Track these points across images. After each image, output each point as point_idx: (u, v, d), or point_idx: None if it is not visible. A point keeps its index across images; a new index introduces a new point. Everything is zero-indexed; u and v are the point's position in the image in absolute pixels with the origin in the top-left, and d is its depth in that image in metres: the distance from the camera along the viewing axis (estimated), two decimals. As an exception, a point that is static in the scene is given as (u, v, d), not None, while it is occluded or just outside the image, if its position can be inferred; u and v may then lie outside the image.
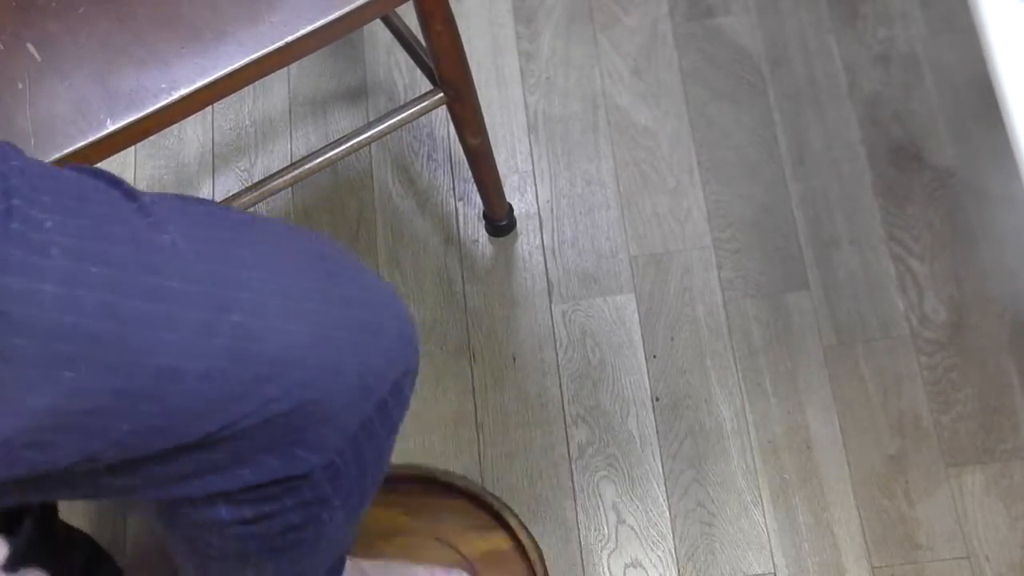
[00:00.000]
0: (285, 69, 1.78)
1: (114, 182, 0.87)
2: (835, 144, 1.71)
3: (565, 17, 1.83)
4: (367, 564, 1.39)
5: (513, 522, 1.50)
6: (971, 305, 1.59)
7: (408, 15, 1.49)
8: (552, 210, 1.71)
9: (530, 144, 1.75)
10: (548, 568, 1.49)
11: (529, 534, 1.49)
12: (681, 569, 1.48)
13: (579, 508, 1.53)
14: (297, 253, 0.96)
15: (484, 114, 1.52)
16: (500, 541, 1.50)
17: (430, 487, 1.53)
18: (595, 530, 1.51)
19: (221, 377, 0.86)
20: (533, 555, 1.48)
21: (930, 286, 1.61)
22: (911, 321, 1.59)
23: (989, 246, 1.62)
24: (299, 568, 1.08)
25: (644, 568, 1.49)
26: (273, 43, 1.23)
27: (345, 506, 1.03)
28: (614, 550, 1.50)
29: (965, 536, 1.47)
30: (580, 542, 1.51)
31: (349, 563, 1.32)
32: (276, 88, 1.82)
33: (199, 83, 1.22)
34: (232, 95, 1.27)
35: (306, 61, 1.80)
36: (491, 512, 1.51)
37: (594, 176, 1.72)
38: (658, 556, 1.49)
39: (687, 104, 1.76)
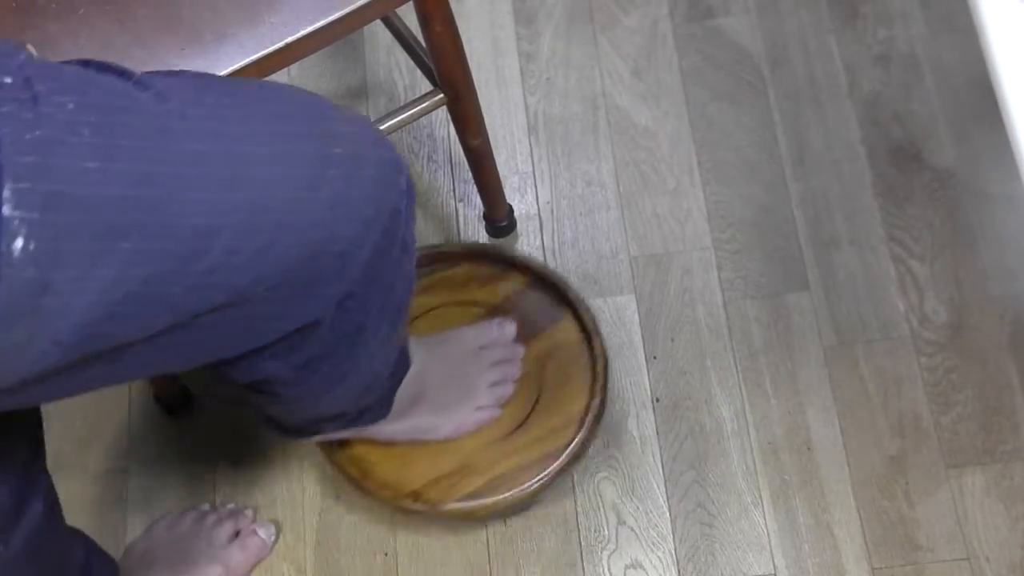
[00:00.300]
0: (285, 70, 1.78)
1: (104, 66, 0.92)
2: (835, 144, 1.71)
3: (565, 18, 1.83)
4: (424, 339, 1.50)
5: (519, 262, 1.60)
6: (971, 306, 1.59)
7: (408, 15, 1.49)
8: (552, 211, 1.71)
9: (530, 145, 1.75)
10: (566, 280, 1.58)
11: (541, 263, 1.61)
12: (681, 570, 1.48)
13: (579, 509, 1.52)
14: (284, 101, 1.04)
15: (484, 115, 1.52)
16: (511, 283, 1.60)
17: (436, 264, 1.61)
18: (595, 531, 1.51)
19: (250, 231, 0.92)
20: (553, 279, 1.58)
21: (930, 287, 1.61)
22: (911, 322, 1.59)
23: (989, 247, 1.62)
24: (366, 366, 1.22)
25: (644, 569, 1.49)
26: (273, 44, 1.23)
27: (382, 322, 1.15)
28: (614, 551, 1.50)
29: (965, 537, 1.47)
30: (580, 543, 1.51)
31: (414, 342, 1.45)
32: (276, 89, 1.82)
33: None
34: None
35: (306, 62, 1.80)
36: (498, 261, 1.61)
37: (594, 177, 1.72)
38: (658, 557, 1.49)
39: (687, 104, 1.76)
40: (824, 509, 1.50)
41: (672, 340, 1.61)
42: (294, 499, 1.55)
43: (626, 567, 1.49)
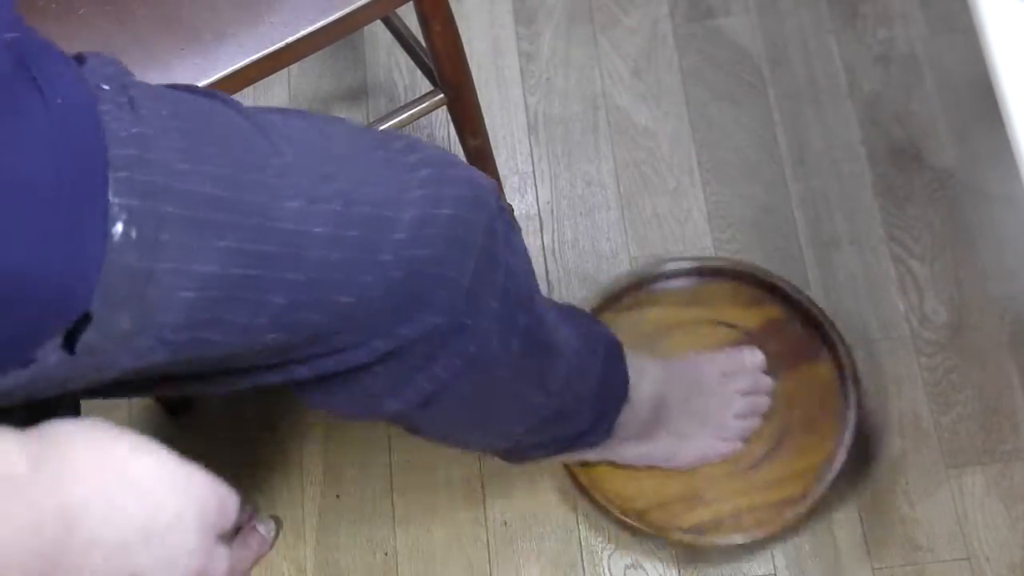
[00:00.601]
0: (285, 70, 1.78)
1: (191, 88, 0.95)
2: (835, 144, 1.71)
3: (565, 18, 1.83)
4: (668, 361, 1.45)
5: (788, 288, 1.53)
6: (971, 306, 1.59)
7: (408, 16, 1.49)
8: (552, 211, 1.71)
9: (530, 145, 1.75)
10: (832, 320, 1.52)
11: (809, 297, 1.53)
12: (681, 570, 1.48)
13: (579, 509, 1.52)
14: (361, 131, 1.06)
15: (484, 115, 1.52)
16: (775, 310, 1.54)
17: (695, 277, 1.57)
18: (595, 531, 1.51)
19: (341, 244, 0.93)
20: (815, 313, 1.52)
21: (930, 287, 1.61)
22: (911, 322, 1.59)
23: (989, 247, 1.62)
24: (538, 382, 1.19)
25: (644, 569, 1.49)
26: (273, 44, 1.23)
27: (506, 349, 1.09)
28: (615, 551, 1.50)
29: (965, 537, 1.47)
30: (581, 543, 1.51)
31: (642, 355, 1.40)
32: (276, 89, 1.82)
33: (199, 84, 1.22)
34: (232, 96, 1.27)
35: (306, 62, 1.80)
36: (761, 285, 1.55)
37: (594, 177, 1.72)
38: (659, 557, 1.49)
39: (687, 105, 1.76)
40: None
41: (672, 340, 1.61)
42: (294, 499, 1.56)
43: (626, 567, 1.49)
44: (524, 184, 1.73)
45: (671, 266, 1.57)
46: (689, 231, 1.67)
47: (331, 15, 1.24)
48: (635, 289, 1.57)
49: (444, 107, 1.48)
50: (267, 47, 1.23)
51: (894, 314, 1.60)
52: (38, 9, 1.25)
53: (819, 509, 1.46)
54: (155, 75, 1.22)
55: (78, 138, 0.79)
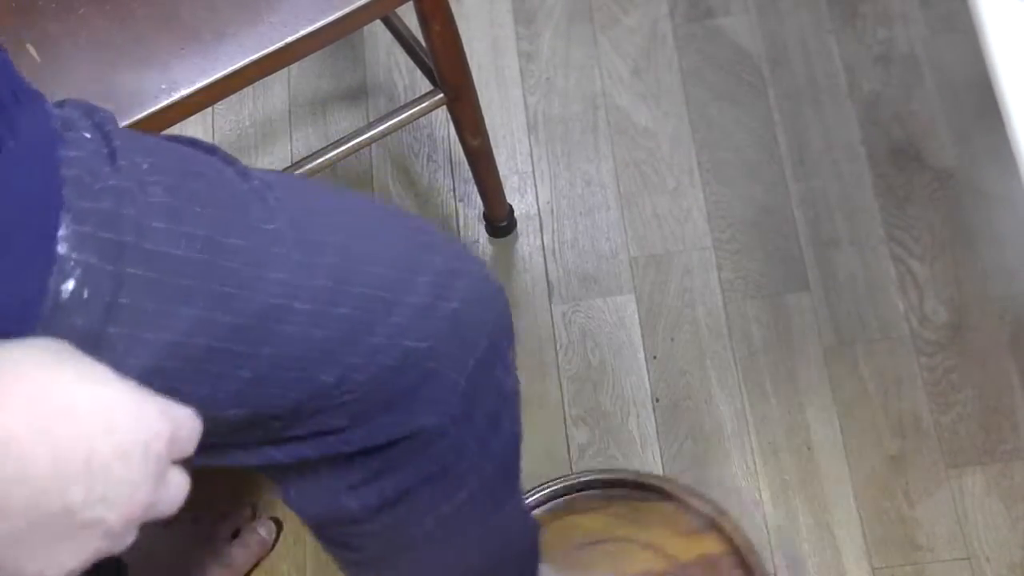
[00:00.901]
0: (285, 70, 1.78)
1: (191, 141, 0.91)
2: (835, 144, 1.71)
3: (565, 18, 1.83)
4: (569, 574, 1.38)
5: (727, 525, 1.43)
6: (971, 306, 1.59)
7: (408, 15, 1.49)
8: (552, 211, 1.71)
9: (530, 145, 1.75)
10: (765, 573, 1.42)
11: (745, 536, 1.43)
12: (681, 570, 1.48)
13: (579, 509, 1.52)
14: (375, 207, 1.01)
15: (484, 115, 1.52)
16: (712, 544, 1.43)
17: (635, 491, 1.48)
18: (595, 531, 1.51)
19: (326, 320, 0.88)
20: (751, 559, 1.41)
21: (930, 287, 1.60)
22: (911, 322, 1.59)
23: (989, 247, 1.62)
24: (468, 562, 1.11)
25: None
26: (273, 44, 1.23)
27: (476, 476, 1.03)
28: (614, 551, 1.50)
29: (965, 537, 1.47)
30: (580, 543, 1.51)
31: (552, 573, 1.31)
32: (276, 89, 1.82)
33: (199, 84, 1.22)
34: (232, 96, 1.27)
35: (306, 61, 1.80)
36: (701, 515, 1.44)
37: (594, 177, 1.72)
38: (658, 557, 1.49)
39: (687, 104, 1.76)
40: (824, 509, 1.50)
41: (672, 340, 1.61)
42: (294, 499, 1.56)
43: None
44: (524, 184, 1.73)
45: (618, 475, 1.49)
46: (689, 231, 1.67)
47: (331, 15, 1.24)
48: (574, 492, 1.49)
49: (444, 107, 1.48)
50: (267, 47, 1.23)
51: (894, 314, 1.60)
52: (38, 9, 1.25)
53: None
54: (155, 75, 1.22)
55: (24, 186, 0.74)
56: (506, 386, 1.04)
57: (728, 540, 1.43)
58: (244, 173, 0.89)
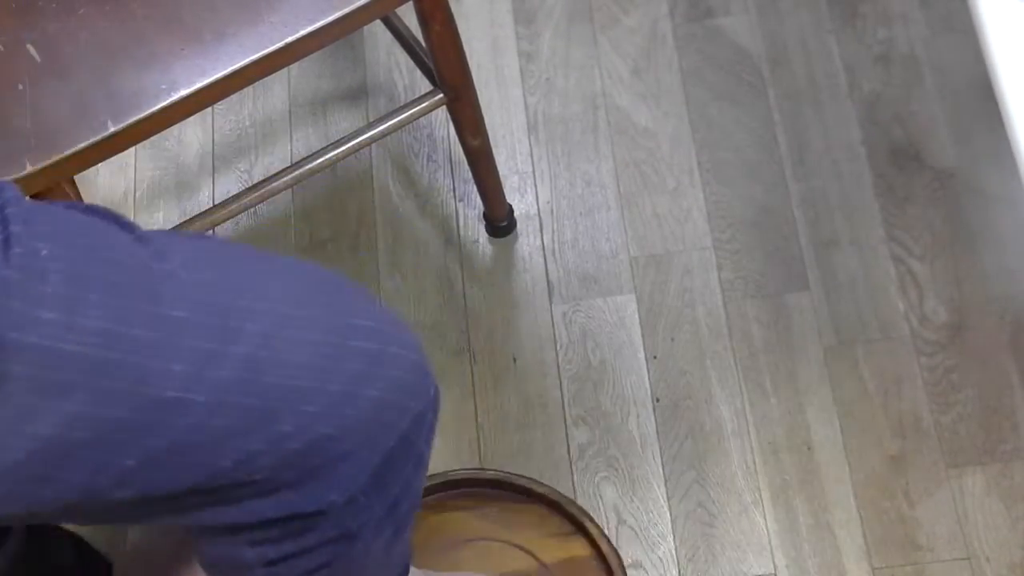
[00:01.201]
0: (285, 70, 1.78)
1: (111, 216, 0.86)
2: (835, 144, 1.71)
3: (565, 18, 1.83)
4: (435, 575, 1.37)
5: (593, 530, 1.46)
6: (971, 306, 1.59)
7: (408, 15, 1.49)
8: (552, 211, 1.71)
9: (530, 145, 1.75)
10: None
11: (609, 542, 1.47)
12: (682, 570, 1.48)
13: (579, 509, 1.52)
14: (301, 283, 0.94)
15: (484, 115, 1.52)
16: (579, 548, 1.47)
17: (507, 492, 1.50)
18: (595, 531, 1.51)
19: (229, 411, 0.83)
20: (613, 562, 1.45)
21: (930, 287, 1.61)
22: (911, 322, 1.59)
23: (989, 247, 1.62)
24: None
25: (645, 569, 1.49)
26: (273, 44, 1.23)
27: (376, 539, 1.01)
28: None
29: (966, 537, 1.47)
30: (580, 543, 1.51)
31: (419, 573, 1.30)
32: (276, 89, 1.82)
33: (199, 84, 1.22)
34: (232, 96, 1.27)
35: (306, 62, 1.80)
36: (570, 519, 1.48)
37: (594, 177, 1.72)
38: (658, 557, 1.49)
39: (687, 104, 1.76)
40: (824, 509, 1.50)
41: (672, 340, 1.61)
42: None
43: (627, 567, 1.49)
44: (524, 184, 1.73)
45: (489, 475, 1.51)
46: (689, 231, 1.67)
47: (331, 15, 1.24)
48: (447, 489, 1.51)
49: (444, 107, 1.48)
50: (267, 47, 1.23)
51: (894, 314, 1.60)
52: (38, 9, 1.25)
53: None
54: (155, 75, 1.22)
55: None
56: (425, 454, 1.01)
57: (594, 545, 1.46)
58: (160, 254, 0.84)
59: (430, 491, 1.49)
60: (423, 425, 0.99)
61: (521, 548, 1.47)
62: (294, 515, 0.93)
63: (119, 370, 0.78)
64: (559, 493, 1.50)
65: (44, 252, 0.77)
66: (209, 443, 0.84)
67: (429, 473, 1.47)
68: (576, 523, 1.48)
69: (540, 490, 1.50)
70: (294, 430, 0.87)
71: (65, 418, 0.77)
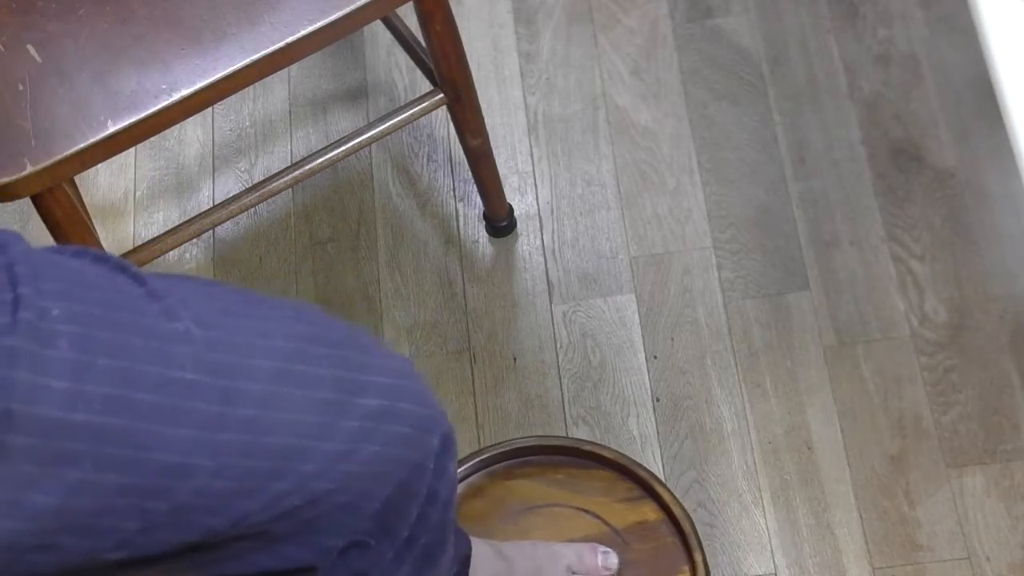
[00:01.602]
0: (285, 70, 1.78)
1: (120, 266, 0.84)
2: (835, 144, 1.71)
3: (565, 18, 1.83)
4: (504, 545, 1.37)
5: (664, 494, 1.46)
6: (971, 306, 1.59)
7: (408, 15, 1.49)
8: (552, 211, 1.71)
9: (530, 145, 1.75)
10: (700, 538, 1.46)
11: (681, 506, 1.46)
12: (682, 570, 1.48)
13: (579, 509, 1.52)
14: (308, 338, 0.92)
15: (484, 115, 1.52)
16: (649, 512, 1.47)
17: (573, 459, 1.51)
18: (595, 531, 1.51)
19: (232, 473, 0.83)
20: (686, 526, 1.45)
21: (930, 286, 1.61)
22: (911, 321, 1.59)
23: (989, 246, 1.62)
24: None
25: (644, 569, 1.49)
26: (273, 44, 1.23)
27: (397, 570, 1.01)
28: (614, 551, 1.50)
29: (966, 537, 1.47)
30: (580, 543, 1.51)
31: (484, 545, 1.31)
32: (276, 89, 1.82)
33: (199, 84, 1.22)
34: (232, 96, 1.27)
35: (306, 61, 1.80)
36: (639, 483, 1.48)
37: (594, 177, 1.72)
38: (658, 557, 1.49)
39: (687, 104, 1.76)
40: (824, 509, 1.50)
41: (672, 340, 1.61)
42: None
43: (626, 567, 1.49)
44: (524, 184, 1.73)
45: (555, 442, 1.51)
46: (689, 231, 1.67)
47: (331, 15, 1.24)
48: (512, 459, 1.51)
49: (444, 107, 1.48)
50: (267, 47, 1.23)
51: (894, 314, 1.60)
52: (38, 9, 1.25)
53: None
54: (155, 75, 1.22)
55: None
56: (440, 488, 1.00)
57: (665, 508, 1.46)
58: (171, 310, 0.82)
59: (495, 460, 1.51)
60: (425, 472, 0.97)
61: (590, 513, 1.47)
62: (294, 568, 0.93)
63: (126, 436, 0.77)
64: (628, 458, 1.50)
65: (55, 312, 0.75)
66: (211, 505, 0.83)
67: (490, 444, 1.53)
68: (646, 487, 1.47)
69: (608, 455, 1.49)
70: (293, 487, 0.86)
71: (69, 487, 0.76)
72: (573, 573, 1.40)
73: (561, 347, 1.62)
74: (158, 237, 1.43)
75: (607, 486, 1.49)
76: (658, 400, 1.58)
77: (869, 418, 1.54)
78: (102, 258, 0.84)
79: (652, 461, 1.54)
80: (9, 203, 1.66)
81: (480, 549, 1.29)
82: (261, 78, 1.25)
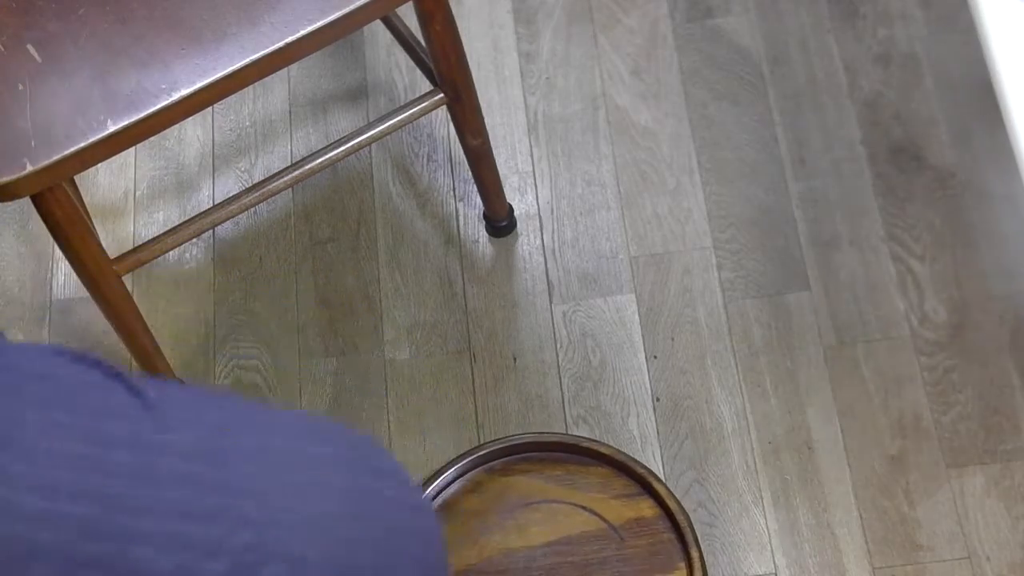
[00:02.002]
0: (285, 70, 1.78)
1: (113, 375, 0.81)
2: (835, 144, 1.71)
3: (565, 18, 1.83)
4: None
5: (661, 490, 1.47)
6: (971, 305, 1.59)
7: (408, 15, 1.49)
8: (552, 211, 1.71)
9: (530, 145, 1.75)
10: (697, 533, 1.46)
11: (677, 501, 1.48)
12: (681, 570, 1.48)
13: (579, 509, 1.53)
14: (312, 461, 0.87)
15: (484, 114, 1.52)
16: (646, 508, 1.48)
17: (571, 455, 1.52)
18: None
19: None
20: (683, 522, 1.46)
21: (930, 286, 1.61)
22: (911, 321, 1.59)
23: (989, 247, 1.62)
24: None
25: (644, 569, 1.49)
26: (273, 44, 1.23)
27: None
28: None
29: (966, 537, 1.47)
30: (580, 543, 1.51)
31: None
32: (276, 89, 1.82)
33: (199, 84, 1.22)
34: (232, 96, 1.27)
35: (306, 61, 1.80)
36: (636, 479, 1.49)
37: (594, 177, 1.72)
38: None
39: (687, 104, 1.76)
40: (825, 509, 1.50)
41: (672, 340, 1.61)
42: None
43: (626, 567, 1.49)
44: (524, 184, 1.73)
45: (553, 438, 1.52)
46: (689, 231, 1.67)
47: (331, 15, 1.24)
48: (511, 454, 1.52)
49: (444, 107, 1.48)
50: (267, 47, 1.23)
51: (894, 314, 1.60)
52: (38, 9, 1.25)
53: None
54: (155, 75, 1.22)
55: None
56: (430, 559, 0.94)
57: (662, 504, 1.47)
58: (163, 421, 0.78)
59: (494, 456, 1.52)
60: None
61: (587, 509, 1.48)
62: None
63: (107, 561, 0.73)
64: (625, 454, 1.51)
65: (44, 447, 0.72)
66: None
67: (490, 439, 1.55)
68: (643, 483, 1.48)
69: (605, 451, 1.50)
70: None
71: None
72: None
73: (561, 347, 1.62)
74: (158, 237, 1.43)
75: (604, 482, 1.50)
76: (658, 400, 1.58)
77: (869, 418, 1.54)
78: (97, 363, 0.81)
79: (652, 461, 1.54)
80: (9, 203, 1.66)
81: None
82: (261, 78, 1.25)
